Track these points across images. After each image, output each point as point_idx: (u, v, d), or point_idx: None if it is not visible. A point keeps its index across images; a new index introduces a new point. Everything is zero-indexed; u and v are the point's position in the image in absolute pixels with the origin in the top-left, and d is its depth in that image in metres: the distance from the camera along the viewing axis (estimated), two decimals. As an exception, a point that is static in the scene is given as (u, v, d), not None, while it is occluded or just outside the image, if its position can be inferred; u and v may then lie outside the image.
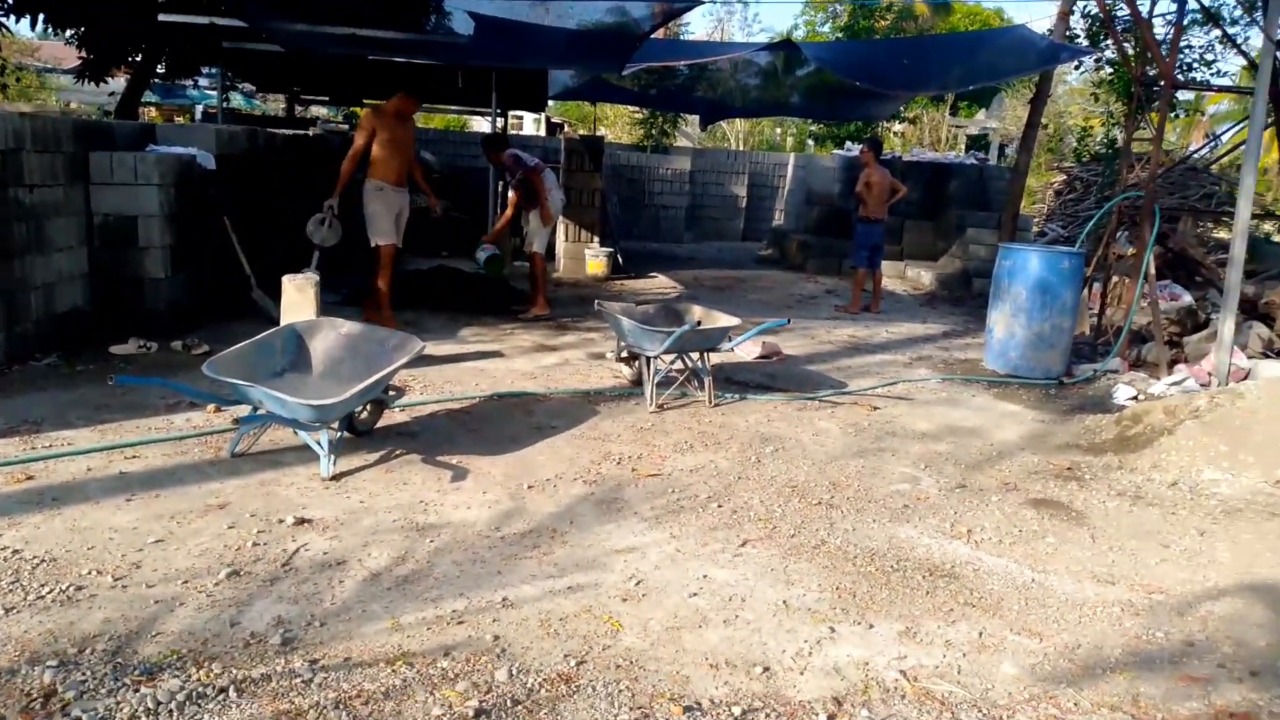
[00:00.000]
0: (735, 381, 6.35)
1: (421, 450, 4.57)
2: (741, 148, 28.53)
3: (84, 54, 13.03)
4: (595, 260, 11.01)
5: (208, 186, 6.96)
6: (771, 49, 10.19)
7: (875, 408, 5.97)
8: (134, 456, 4.22)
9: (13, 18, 10.86)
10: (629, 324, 5.57)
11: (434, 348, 6.74)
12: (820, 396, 6.13)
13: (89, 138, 6.15)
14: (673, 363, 5.82)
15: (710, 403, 5.73)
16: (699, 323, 5.41)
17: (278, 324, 6.99)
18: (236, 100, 24.96)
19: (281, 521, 3.64)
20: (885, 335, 8.59)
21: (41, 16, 11.37)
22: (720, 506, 4.11)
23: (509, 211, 8.66)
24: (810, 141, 31.80)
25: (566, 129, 28.50)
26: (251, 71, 13.30)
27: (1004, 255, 7.39)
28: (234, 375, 4.16)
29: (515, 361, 6.59)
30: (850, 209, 14.18)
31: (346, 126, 10.46)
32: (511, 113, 20.61)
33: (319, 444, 4.09)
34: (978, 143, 26.12)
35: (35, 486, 3.81)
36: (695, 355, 5.77)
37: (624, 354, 6.09)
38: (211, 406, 4.85)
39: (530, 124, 37.66)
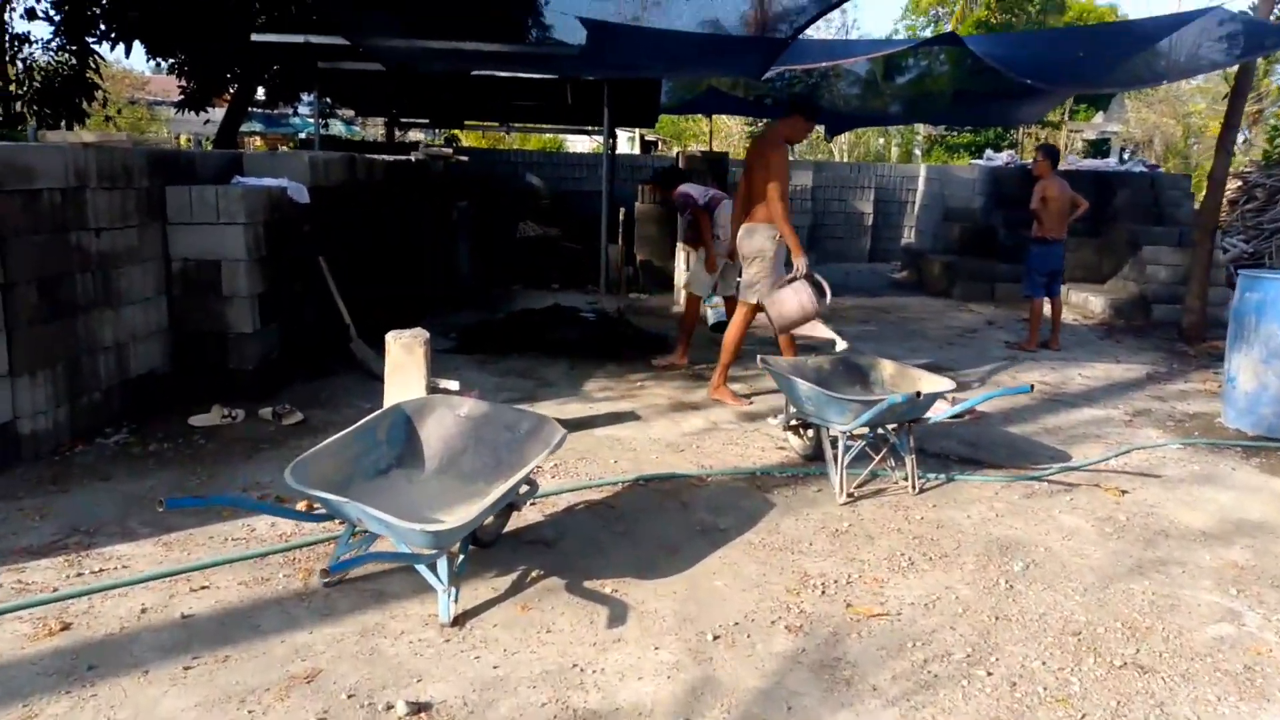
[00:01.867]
0: (929, 452, 5.13)
1: (563, 569, 3.51)
2: (846, 159, 27.13)
3: (184, 84, 12.63)
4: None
5: (301, 223, 6.10)
6: (932, 44, 8.93)
7: (1122, 490, 4.67)
8: (203, 587, 3.25)
9: (107, 45, 10.40)
10: (807, 388, 4.41)
11: (558, 408, 5.71)
12: (1047, 476, 4.85)
13: (166, 170, 5.32)
14: (865, 436, 4.63)
15: (914, 488, 4.53)
16: (918, 394, 4.21)
17: (379, 378, 6.09)
18: (336, 127, 24.76)
19: (390, 708, 2.60)
20: (1080, 380, 7.23)
21: (138, 44, 10.92)
22: (989, 674, 2.92)
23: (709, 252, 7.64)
24: (917, 152, 30.14)
25: (660, 147, 27.51)
26: (349, 94, 12.66)
27: (1249, 286, 5.98)
28: (327, 479, 3.16)
29: (654, 426, 5.50)
30: (994, 225, 12.78)
31: (450, 150, 9.62)
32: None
33: (436, 576, 3.05)
34: (1097, 148, 24.12)
35: (70, 644, 2.86)
36: (893, 425, 4.58)
37: (793, 421, 4.94)
38: (302, 504, 3.89)
39: (624, 143, 36.92)
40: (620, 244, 11.23)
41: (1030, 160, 11.15)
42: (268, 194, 5.60)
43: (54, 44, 11.35)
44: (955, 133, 24.67)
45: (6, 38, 10.95)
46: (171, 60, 12.16)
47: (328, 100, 14.90)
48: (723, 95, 11.92)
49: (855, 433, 4.44)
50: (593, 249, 11.94)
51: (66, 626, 2.94)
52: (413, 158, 8.42)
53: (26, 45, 11.40)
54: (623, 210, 11.38)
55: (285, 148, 22.42)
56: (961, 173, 14.34)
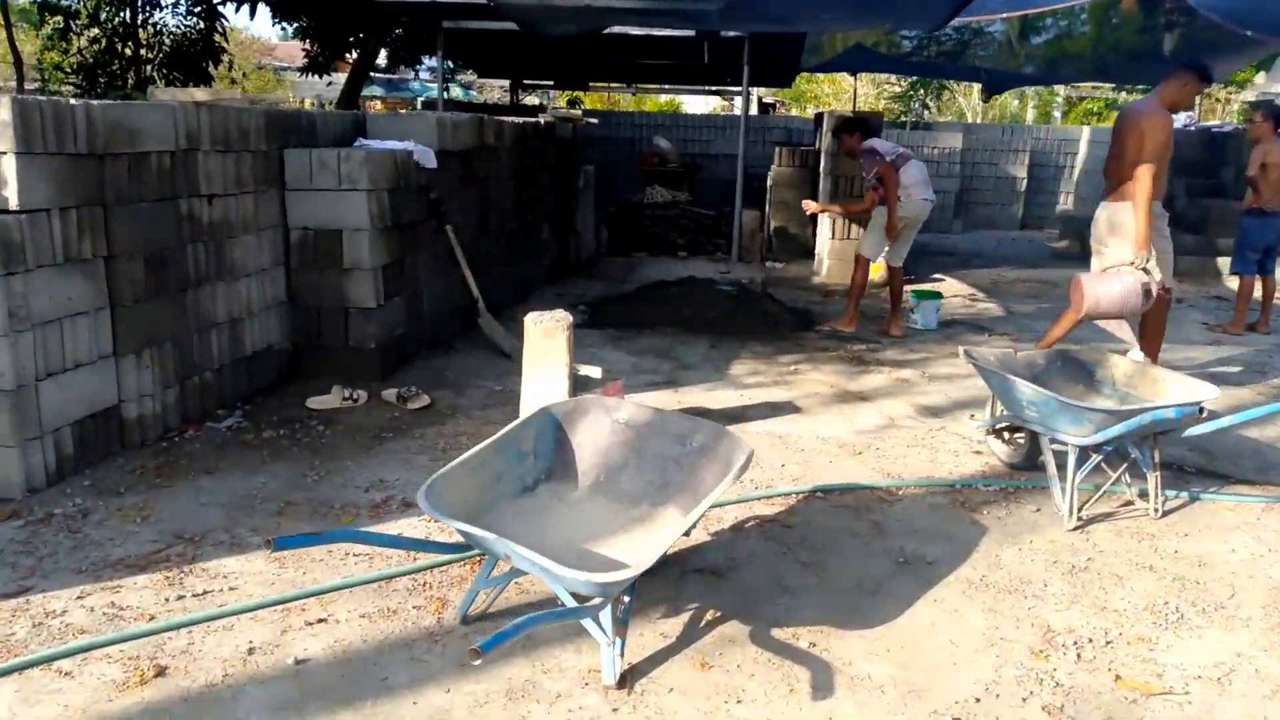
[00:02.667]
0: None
1: (742, 611, 2.85)
2: (978, 121, 25.37)
3: (307, 47, 12.38)
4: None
5: (427, 189, 5.57)
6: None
7: None
8: (320, 620, 2.73)
9: (233, 7, 10.14)
10: (1032, 392, 3.60)
11: (705, 395, 5.05)
12: (1321, 497, 3.94)
13: (284, 132, 4.85)
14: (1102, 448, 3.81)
15: (1156, 510, 3.70)
16: (1200, 409, 3.36)
17: (508, 355, 5.55)
18: (454, 91, 24.55)
19: (550, 816, 2.00)
20: (1311, 372, 6.14)
21: (264, 7, 10.66)
22: (1351, 802, 2.14)
23: (863, 205, 7.09)
24: (1056, 114, 28.06)
25: (779, 109, 26.27)
26: (472, 56, 12.19)
27: None
28: (466, 501, 2.58)
29: (819, 419, 4.78)
30: (1172, 193, 11.45)
31: (579, 112, 9.01)
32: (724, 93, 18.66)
33: (600, 628, 2.43)
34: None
35: (163, 696, 2.36)
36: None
37: (999, 424, 4.15)
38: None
39: (741, 105, 35.70)
40: (755, 210, 10.46)
41: (1226, 122, 9.86)
42: (393, 158, 5.08)
43: (182, 8, 11.23)
44: (1096, 94, 22.75)
45: (138, 2, 10.86)
46: (296, 24, 11.92)
47: (450, 63, 14.53)
48: (868, 52, 10.93)
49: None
50: (723, 215, 11.22)
51: (161, 672, 2.45)
52: (541, 120, 7.83)
53: (157, 10, 11.32)
54: (768, 176, 10.61)
55: (403, 111, 22.34)
56: (1131, 132, 12.95)
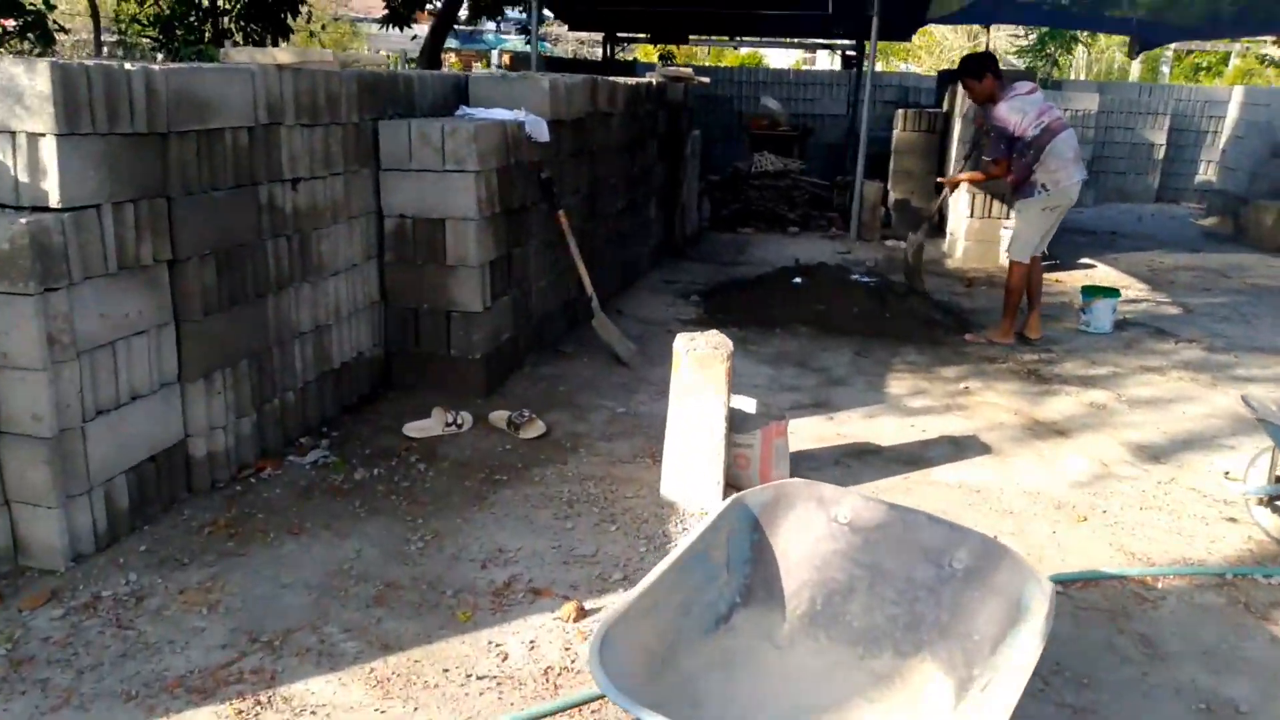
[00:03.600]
0: None
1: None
2: (1083, 77, 23.49)
3: (389, -1, 11.66)
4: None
5: (539, 167, 4.78)
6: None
7: None
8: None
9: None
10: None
11: (865, 423, 4.23)
12: None
13: (379, 100, 4.08)
14: None
15: None
16: None
17: (626, 364, 4.78)
18: (518, 44, 23.56)
19: None
20: None
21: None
22: None
23: (975, 175, 6.23)
24: (1165, 69, 26.01)
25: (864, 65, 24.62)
26: (563, 5, 11.29)
27: None
28: (647, 654, 1.82)
29: (1016, 463, 3.91)
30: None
31: (690, 71, 8.10)
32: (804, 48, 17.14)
33: None
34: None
35: None
36: None
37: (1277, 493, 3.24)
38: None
39: (824, 59, 33.94)
40: (876, 181, 9.45)
41: None
42: (503, 131, 4.29)
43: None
44: (1205, 47, 20.81)
45: (213, -51, 10.22)
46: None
47: (540, 13, 13.66)
48: (1003, 0, 9.77)
49: None
50: (836, 185, 10.23)
51: None
52: (652, 80, 6.97)
53: (233, -43, 10.68)
54: (890, 141, 9.57)
55: (478, 65, 21.42)
56: (1299, 97, 11.53)
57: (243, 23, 10.29)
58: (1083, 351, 5.61)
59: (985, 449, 4.04)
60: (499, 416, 4.00)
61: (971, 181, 6.31)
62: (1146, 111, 13.18)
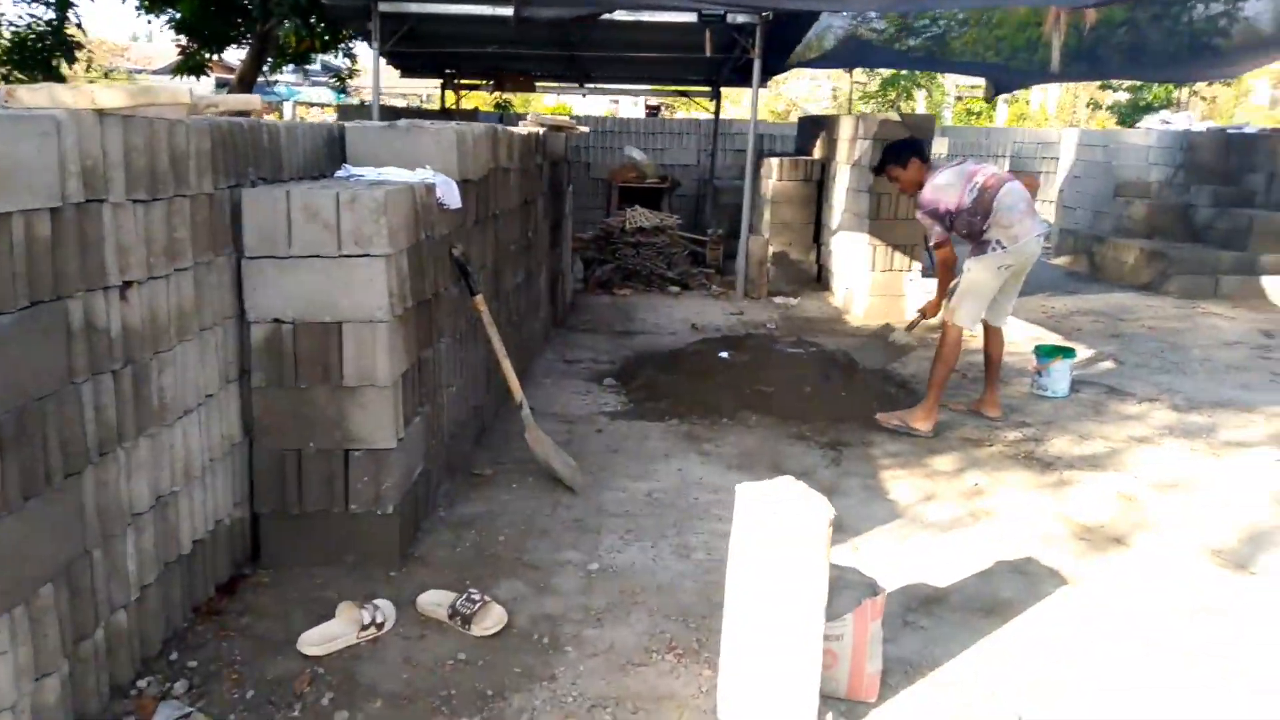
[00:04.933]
0: None
1: None
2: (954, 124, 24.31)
3: (181, 42, 10.14)
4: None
5: (451, 241, 3.66)
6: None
7: None
8: None
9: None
10: None
11: (896, 553, 3.34)
12: None
13: (239, 159, 2.86)
14: None
15: None
16: None
17: (571, 488, 3.71)
18: (323, 94, 21.92)
19: None
20: None
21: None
22: None
23: (940, 283, 5.13)
24: (947, 114, 27.56)
25: (663, 111, 24.52)
26: (398, 47, 10.09)
27: None
28: None
29: (1089, 593, 3.12)
30: (1192, 203, 10.36)
31: (570, 120, 7.15)
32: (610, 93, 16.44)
33: None
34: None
35: None
36: None
37: None
38: None
39: (629, 106, 33.83)
40: (759, 235, 8.80)
41: (1245, 124, 8.76)
42: (413, 198, 3.15)
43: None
44: (975, 93, 22.05)
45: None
46: (169, 14, 9.64)
47: (348, 61, 12.35)
48: (866, 45, 9.46)
49: None
50: (712, 240, 9.52)
51: None
52: (538, 131, 5.94)
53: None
54: (762, 191, 8.94)
55: (272, 117, 19.61)
56: (1133, 138, 11.93)
57: (4, 69, 8.55)
58: (1058, 423, 5.00)
59: (1057, 577, 3.23)
60: (435, 603, 2.83)
61: (942, 289, 5.13)
62: (989, 154, 13.39)
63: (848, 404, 5.01)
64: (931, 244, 4.97)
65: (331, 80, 13.12)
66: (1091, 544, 3.51)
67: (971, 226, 4.71)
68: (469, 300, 3.85)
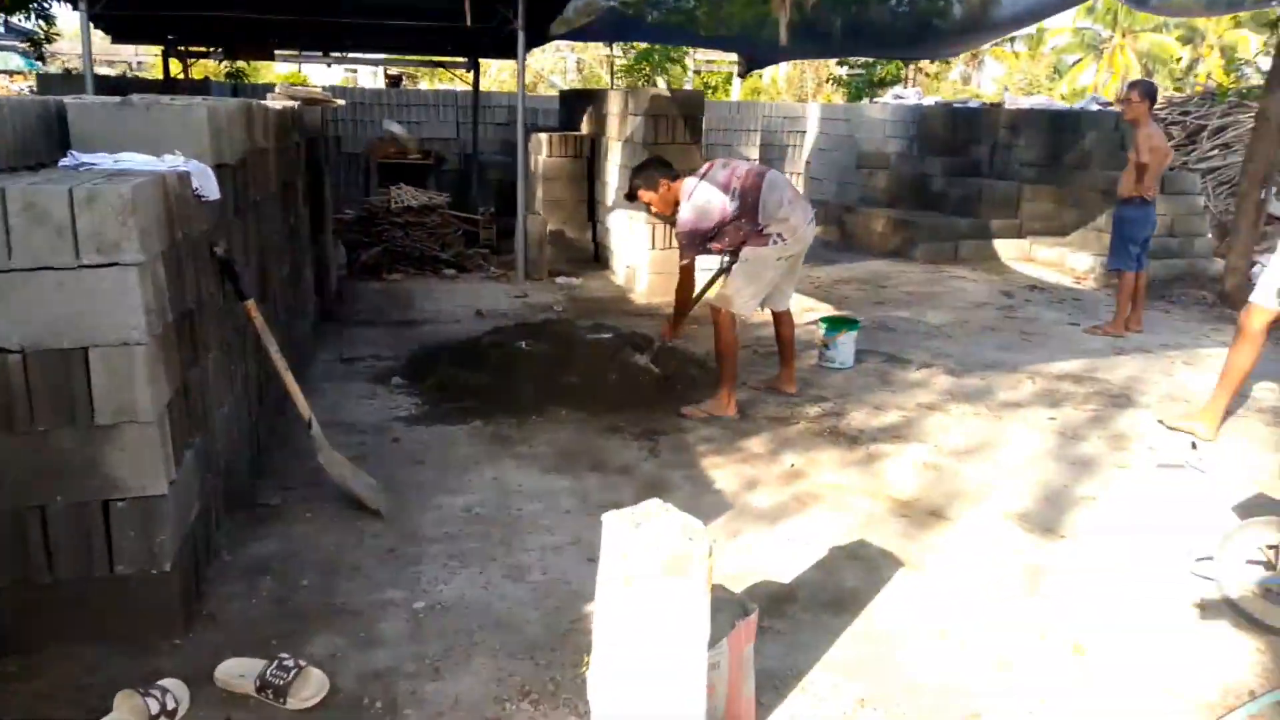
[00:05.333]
0: None
1: None
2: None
3: None
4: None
5: (213, 238, 3.11)
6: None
7: None
8: None
9: None
10: None
11: (730, 543, 3.22)
12: None
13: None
14: None
15: None
16: None
17: (377, 512, 3.33)
18: (9, 59, 19.31)
19: None
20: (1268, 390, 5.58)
21: None
22: None
23: (678, 306, 4.91)
24: (688, 88, 28.53)
25: (404, 82, 23.52)
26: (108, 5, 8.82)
27: None
28: None
29: (952, 585, 3.16)
30: (928, 173, 11.15)
31: (322, 90, 6.47)
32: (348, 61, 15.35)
33: None
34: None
35: None
36: None
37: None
38: None
39: (367, 76, 32.26)
40: (536, 214, 8.50)
41: (970, 99, 9.54)
42: (164, 191, 2.60)
43: None
44: (713, 68, 22.98)
45: None
46: None
47: (43, 23, 10.73)
48: (624, 17, 9.35)
49: None
50: (484, 219, 9.11)
51: None
52: (293, 105, 5.28)
53: None
54: (531, 166, 8.62)
55: (136, 98, 16.80)
56: (872, 113, 12.66)
57: None
58: (852, 394, 5.12)
59: (891, 560, 3.24)
60: (237, 674, 2.37)
61: (681, 310, 4.89)
62: (740, 128, 13.77)
63: (656, 390, 4.87)
64: (682, 261, 4.78)
65: (23, 45, 11.34)
66: (912, 520, 3.56)
67: (741, 232, 4.54)
68: (237, 305, 3.31)
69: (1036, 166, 10.62)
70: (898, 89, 13.86)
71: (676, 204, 4.61)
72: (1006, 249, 10.13)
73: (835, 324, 5.65)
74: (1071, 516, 3.62)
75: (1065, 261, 9.72)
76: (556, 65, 30.65)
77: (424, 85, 21.54)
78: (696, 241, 4.57)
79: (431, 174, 9.44)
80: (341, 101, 6.81)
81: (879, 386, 5.29)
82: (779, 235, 4.51)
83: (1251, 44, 28.16)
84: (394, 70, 22.83)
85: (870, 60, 15.82)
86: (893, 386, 5.30)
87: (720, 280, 4.81)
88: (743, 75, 11.31)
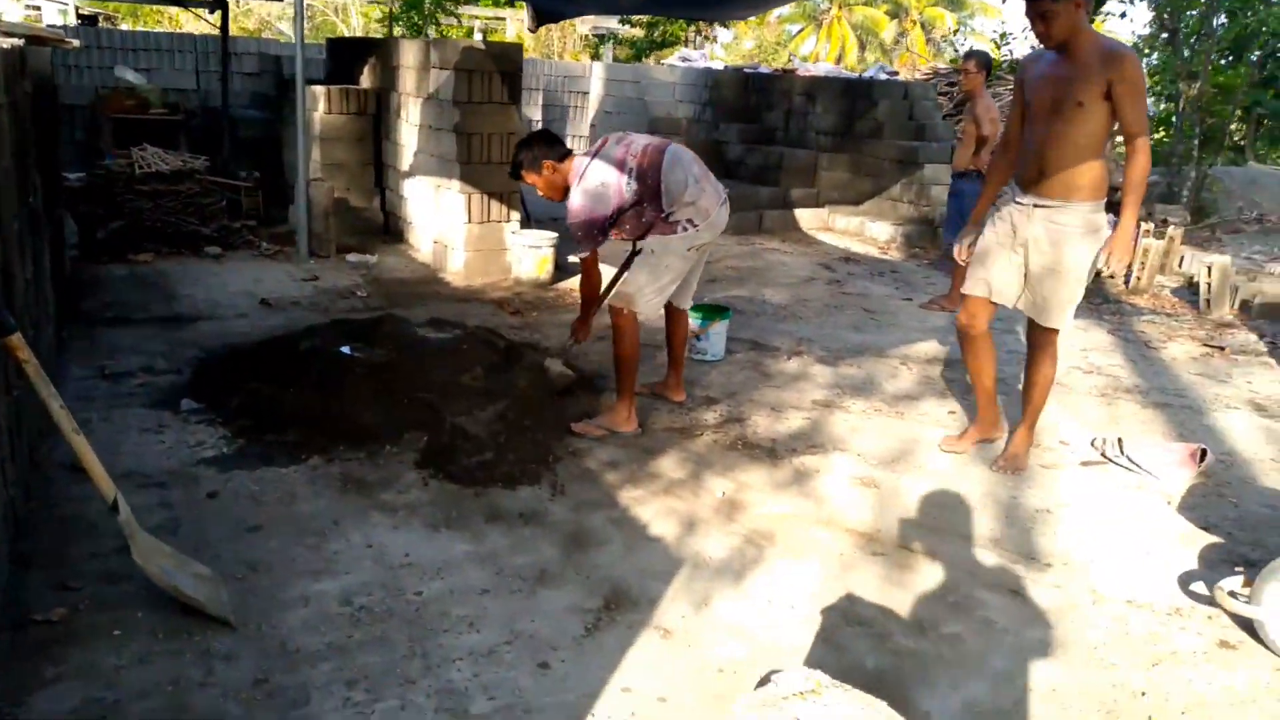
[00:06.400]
0: None
1: None
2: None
3: None
4: (537, 252, 6.59)
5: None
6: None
7: None
8: None
9: None
10: None
11: (695, 620, 2.59)
12: None
13: None
14: None
15: None
16: None
17: (222, 617, 2.38)
18: None
19: None
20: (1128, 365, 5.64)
21: None
22: None
23: (585, 301, 4.18)
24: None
25: (102, 21, 20.37)
26: None
27: None
28: None
29: (967, 638, 2.67)
30: (723, 140, 10.82)
31: (46, 27, 4.86)
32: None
33: None
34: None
35: None
36: None
37: None
38: None
39: (54, 13, 28.09)
40: (322, 181, 7.25)
41: (760, 64, 9.30)
42: None
43: None
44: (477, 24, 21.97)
45: None
46: None
47: None
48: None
49: None
50: (248, 187, 7.71)
51: None
52: (11, 43, 3.86)
53: None
54: (305, 125, 7.33)
55: None
56: (659, 74, 12.19)
57: None
58: (740, 394, 4.58)
59: (899, 623, 2.70)
60: None
61: (588, 309, 4.20)
62: (522, 87, 12.82)
63: (534, 408, 4.05)
64: (579, 254, 4.03)
65: None
66: (889, 559, 3.06)
67: (644, 219, 3.85)
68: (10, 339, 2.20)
69: (832, 135, 10.58)
70: (684, 50, 13.48)
71: (566, 189, 3.82)
72: (807, 218, 10.04)
73: (708, 313, 5.08)
74: (1044, 538, 3.27)
75: (865, 231, 9.74)
76: (284, 11, 27.89)
77: (125, 26, 18.59)
78: (594, 232, 3.80)
79: (182, 132, 7.86)
80: (76, 42, 5.26)
81: (761, 382, 4.79)
82: (688, 221, 3.83)
83: (947, 20, 30.75)
84: (88, 9, 19.36)
85: (652, 19, 15.34)
86: (774, 381, 4.81)
87: (620, 276, 4.07)
88: (531, 29, 10.44)
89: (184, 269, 6.36)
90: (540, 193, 3.93)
